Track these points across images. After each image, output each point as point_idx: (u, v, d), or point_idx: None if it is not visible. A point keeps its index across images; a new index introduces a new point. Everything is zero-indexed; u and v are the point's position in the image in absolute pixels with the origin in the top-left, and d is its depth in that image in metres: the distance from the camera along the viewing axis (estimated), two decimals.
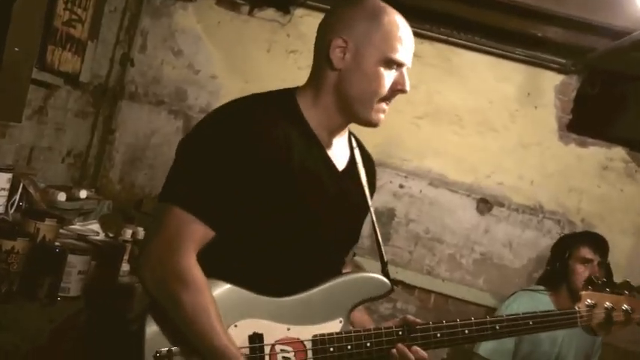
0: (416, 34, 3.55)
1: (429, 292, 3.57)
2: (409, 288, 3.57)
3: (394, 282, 3.45)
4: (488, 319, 1.62)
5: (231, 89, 3.59)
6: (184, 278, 1.40)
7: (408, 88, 1.57)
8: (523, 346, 2.90)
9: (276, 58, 3.58)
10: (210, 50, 3.63)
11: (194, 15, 3.62)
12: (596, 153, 3.56)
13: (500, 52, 3.50)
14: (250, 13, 3.63)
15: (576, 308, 1.72)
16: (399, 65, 1.54)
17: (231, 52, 3.63)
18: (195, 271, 1.42)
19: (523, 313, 1.68)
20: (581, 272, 2.91)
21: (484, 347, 2.91)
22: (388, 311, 3.53)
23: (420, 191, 3.59)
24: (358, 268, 1.91)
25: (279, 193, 1.48)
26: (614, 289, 1.75)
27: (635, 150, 3.51)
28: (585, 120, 3.59)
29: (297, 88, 1.62)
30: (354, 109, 1.55)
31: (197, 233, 1.43)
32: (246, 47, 3.62)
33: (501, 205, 3.57)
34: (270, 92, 1.60)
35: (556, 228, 3.51)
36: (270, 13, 3.62)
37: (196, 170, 1.45)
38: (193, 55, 3.64)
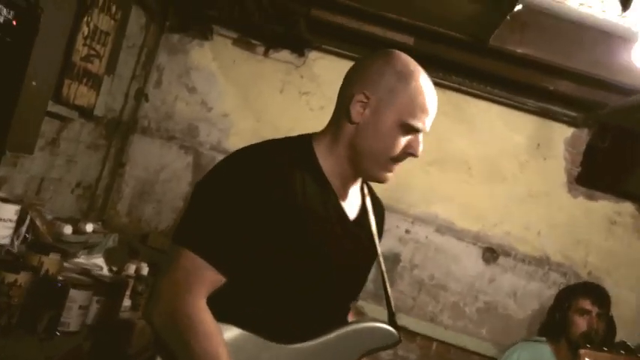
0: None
1: (431, 339, 3.54)
2: (411, 334, 3.54)
3: (396, 327, 3.50)
4: None
5: (242, 127, 3.63)
6: (194, 323, 1.39)
7: (419, 153, 1.56)
8: None
9: (289, 99, 3.62)
10: (224, 88, 3.68)
11: (210, 53, 3.68)
12: (605, 207, 3.55)
13: (511, 102, 3.53)
14: (265, 53, 3.68)
15: None
16: (417, 131, 1.54)
17: (245, 90, 3.67)
18: (206, 316, 1.41)
19: None
20: (580, 323, 2.90)
21: None
22: (389, 357, 3.50)
23: (426, 237, 3.59)
24: (360, 314, 1.90)
25: (292, 240, 1.48)
26: (612, 349, 1.75)
27: None
28: (594, 174, 3.60)
29: (313, 135, 1.62)
30: (364, 165, 1.55)
31: (208, 278, 1.42)
32: (259, 87, 3.66)
33: (507, 254, 3.56)
34: (287, 138, 1.61)
35: (562, 280, 3.49)
36: (284, 54, 3.67)
37: (211, 215, 1.45)
38: (207, 93, 3.68)
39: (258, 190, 1.45)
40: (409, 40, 3.16)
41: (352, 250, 1.59)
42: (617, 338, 3.31)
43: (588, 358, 1.73)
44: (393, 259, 3.58)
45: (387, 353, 3.51)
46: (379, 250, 1.68)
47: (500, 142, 3.59)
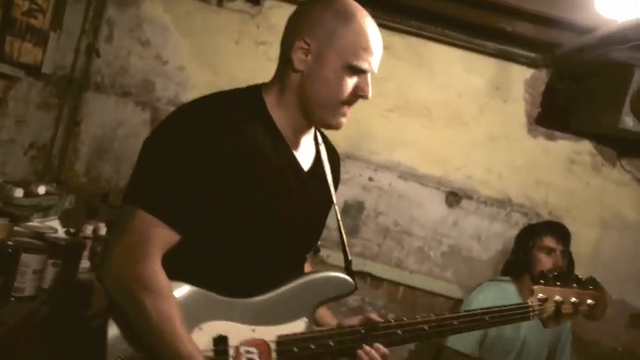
0: (386, 27, 3.59)
1: (398, 284, 3.58)
2: (377, 280, 3.58)
3: (363, 274, 3.54)
4: (447, 315, 1.64)
5: (199, 81, 3.55)
6: (148, 285, 1.38)
7: (370, 94, 1.54)
8: (490, 333, 2.93)
9: (246, 50, 3.54)
10: (179, 41, 3.57)
11: (162, 5, 3.56)
12: (564, 146, 3.59)
13: (470, 45, 3.50)
14: (219, 3, 3.57)
15: (529, 302, 1.76)
16: (363, 72, 1.52)
17: (200, 42, 3.58)
18: (160, 277, 1.39)
19: (483, 308, 1.72)
20: (544, 261, 2.95)
21: (452, 339, 2.93)
22: (357, 303, 3.54)
23: (390, 184, 3.59)
24: (320, 264, 1.90)
25: (244, 192, 1.45)
26: (565, 283, 1.79)
27: (601, 144, 3.55)
28: (554, 114, 3.62)
29: (263, 86, 1.59)
30: (315, 113, 1.53)
31: (162, 237, 1.40)
32: (215, 38, 3.57)
33: (470, 197, 3.59)
34: (237, 90, 1.58)
35: (523, 220, 3.54)
36: (239, 4, 3.57)
37: (161, 171, 1.42)
38: (161, 46, 3.58)
39: (208, 142, 1.42)
40: None
41: (306, 201, 1.58)
42: (577, 272, 3.39)
43: (542, 293, 1.77)
44: (357, 207, 3.59)
45: (355, 299, 3.55)
46: (334, 198, 1.67)
47: (460, 86, 3.58)
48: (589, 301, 1.82)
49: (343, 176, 3.54)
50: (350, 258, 1.68)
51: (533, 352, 2.99)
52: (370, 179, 3.59)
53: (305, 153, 1.61)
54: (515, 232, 3.38)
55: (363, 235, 3.60)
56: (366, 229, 3.60)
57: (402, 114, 3.58)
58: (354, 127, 3.53)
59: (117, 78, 3.56)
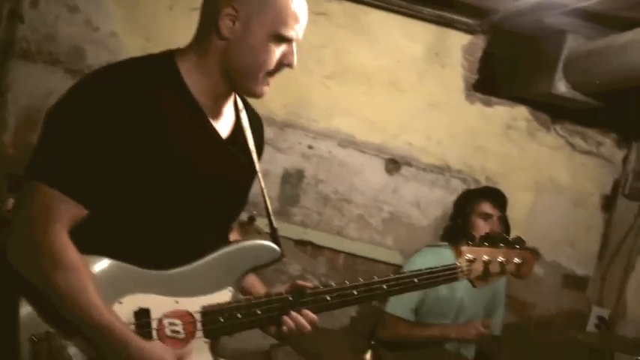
0: None
1: (338, 252, 3.59)
2: (318, 248, 3.58)
3: (303, 243, 3.53)
4: (376, 279, 1.64)
5: (132, 48, 3.42)
6: (56, 259, 1.33)
7: (295, 62, 1.51)
8: (427, 297, 2.96)
9: (179, 16, 3.42)
10: (109, 6, 3.44)
11: None
12: (501, 112, 3.63)
13: (409, 11, 3.48)
14: None
15: (457, 263, 1.78)
16: (289, 41, 1.49)
17: (132, 8, 3.45)
18: (67, 250, 1.35)
19: (412, 271, 1.73)
20: (481, 226, 2.99)
21: (391, 305, 2.97)
22: (297, 272, 3.53)
23: (329, 152, 3.57)
24: (255, 233, 1.86)
25: (156, 163, 1.41)
26: (492, 244, 1.81)
27: (536, 109, 3.61)
28: (490, 80, 3.66)
29: (177, 51, 1.53)
30: (238, 80, 1.50)
31: (67, 212, 1.35)
32: (147, 4, 3.46)
33: (409, 164, 3.61)
34: (148, 56, 1.52)
35: (462, 186, 3.57)
36: None
37: (63, 143, 1.36)
38: (91, 12, 3.44)
39: (112, 110, 1.36)
40: None
41: (226, 169, 1.54)
42: (513, 237, 3.46)
43: (470, 254, 1.78)
44: (297, 176, 3.56)
45: (296, 269, 3.54)
46: (258, 166, 1.63)
47: (399, 53, 3.56)
48: (516, 260, 1.84)
49: (282, 144, 3.56)
50: (275, 226, 1.65)
51: (470, 313, 3.04)
52: (310, 147, 3.56)
53: (223, 120, 1.57)
54: (454, 198, 3.42)
55: (303, 203, 3.58)
56: (307, 197, 3.58)
57: (341, 81, 3.55)
58: (291, 94, 3.48)
59: (44, 45, 3.41)
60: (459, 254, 1.79)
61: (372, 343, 2.66)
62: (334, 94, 3.55)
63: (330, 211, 3.60)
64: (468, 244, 1.80)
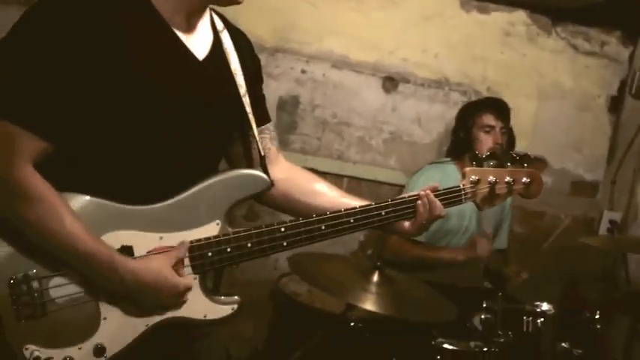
0: None
1: (341, 176, 3.52)
2: (320, 175, 3.43)
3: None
4: (373, 205, 1.56)
5: None
6: (22, 192, 1.27)
7: None
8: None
9: None
10: None
11: None
12: (498, 18, 3.47)
13: None
14: None
15: (461, 185, 1.68)
16: None
17: None
18: (34, 181, 1.28)
19: (412, 195, 1.63)
20: (485, 139, 2.91)
21: None
22: None
23: (323, 75, 3.45)
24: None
25: (123, 89, 1.31)
26: (498, 163, 1.72)
27: (535, 12, 3.44)
28: None
29: None
30: None
31: (28, 146, 1.27)
32: None
33: (407, 81, 3.48)
34: None
35: (463, 99, 3.46)
36: None
37: (19, 74, 1.27)
38: None
39: (73, 38, 1.26)
40: None
41: (205, 92, 1.44)
42: (520, 146, 3.38)
43: (474, 175, 1.68)
44: (293, 102, 3.46)
45: None
46: (242, 89, 1.53)
47: None
48: (524, 180, 1.74)
49: (274, 71, 3.43)
50: (263, 154, 1.57)
51: None
52: (303, 72, 3.44)
53: (200, 40, 1.46)
54: (455, 111, 3.32)
55: (301, 130, 3.48)
56: (304, 123, 3.49)
57: None
58: (279, 18, 3.34)
59: None
60: (462, 176, 1.70)
61: (378, 264, 2.63)
62: (323, 14, 3.39)
63: (329, 136, 3.51)
64: (472, 165, 1.70)
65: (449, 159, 3.08)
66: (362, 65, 3.45)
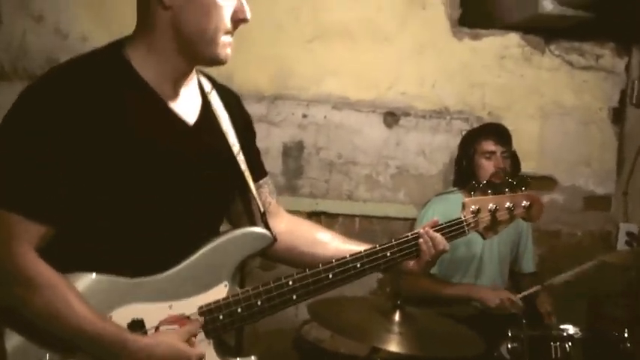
0: None
1: (353, 216, 3.52)
2: (332, 217, 3.51)
3: (316, 214, 3.46)
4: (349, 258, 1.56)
5: None
6: (27, 280, 1.28)
7: (249, 15, 1.43)
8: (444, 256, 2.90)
9: None
10: (74, 9, 3.35)
11: None
12: (492, 43, 3.49)
13: None
14: None
15: (462, 217, 1.69)
16: None
17: (98, 8, 3.35)
18: (36, 267, 1.29)
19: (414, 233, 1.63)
20: (487, 166, 2.92)
21: None
22: None
23: (325, 117, 3.47)
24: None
25: (119, 164, 1.33)
26: (496, 190, 1.73)
27: (527, 33, 3.46)
28: (475, 12, 3.52)
29: (125, 40, 1.45)
30: (197, 49, 1.41)
31: (27, 232, 1.29)
32: (112, 0, 3.35)
33: (408, 114, 3.50)
34: (92, 52, 1.44)
35: (465, 127, 3.46)
36: None
37: (15, 162, 1.30)
38: (57, 19, 3.35)
39: (63, 121, 1.29)
40: None
41: (199, 157, 1.45)
42: (527, 167, 3.37)
43: (474, 205, 1.70)
44: (297, 147, 3.48)
45: None
46: (236, 148, 1.54)
47: (377, 1, 3.43)
48: (524, 203, 1.75)
49: (275, 118, 3.47)
50: (263, 210, 1.57)
51: (493, 268, 3.00)
52: (304, 116, 3.47)
53: (188, 105, 1.48)
54: (458, 140, 3.32)
55: (308, 174, 3.50)
56: (310, 167, 3.50)
57: (323, 42, 3.42)
58: (275, 66, 3.39)
59: (18, 62, 3.33)
60: (462, 207, 1.70)
61: (399, 302, 2.61)
62: (319, 57, 3.43)
63: (336, 177, 3.52)
64: (471, 195, 1.71)
65: (455, 189, 3.08)
66: (362, 103, 3.47)
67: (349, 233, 3.48)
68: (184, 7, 1.37)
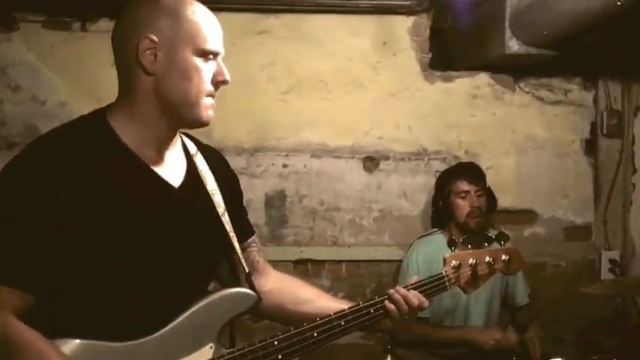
0: (259, 11, 3.48)
1: (339, 262, 3.54)
2: (319, 264, 3.53)
3: (303, 262, 3.47)
4: (333, 316, 1.57)
5: (84, 111, 3.36)
6: (8, 342, 1.28)
7: (228, 77, 1.48)
8: (433, 305, 2.91)
9: None
10: (51, 77, 3.40)
11: (22, 44, 3.37)
12: (463, 84, 3.58)
13: (346, 8, 3.44)
14: (83, 28, 3.41)
15: (443, 272, 1.72)
16: (215, 55, 1.46)
17: (74, 73, 3.41)
18: (17, 330, 1.29)
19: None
20: (462, 205, 2.98)
21: None
22: None
23: (305, 165, 3.52)
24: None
25: (105, 233, 1.35)
26: (475, 245, 1.76)
27: (496, 72, 3.56)
28: (444, 55, 3.62)
29: (107, 108, 1.49)
30: (181, 113, 1.44)
31: (9, 301, 1.30)
32: (88, 65, 3.40)
33: (387, 158, 3.56)
34: (74, 120, 1.47)
35: (443, 166, 3.51)
36: (104, 24, 3.41)
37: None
38: (34, 87, 3.40)
39: (46, 191, 1.31)
40: None
41: (185, 219, 1.48)
42: (507, 202, 3.43)
43: (455, 260, 1.72)
44: (279, 197, 3.51)
45: None
46: (221, 209, 1.57)
47: (349, 51, 3.52)
48: (503, 257, 1.79)
49: (256, 170, 3.51)
50: (248, 270, 1.59)
51: (481, 314, 3.02)
52: (284, 166, 3.51)
53: (173, 168, 1.51)
54: None
55: (292, 222, 3.52)
56: (294, 216, 3.53)
57: (299, 93, 3.50)
58: (253, 119, 3.45)
59: None
60: (443, 263, 1.73)
61: (389, 347, 2.62)
62: (296, 108, 3.50)
63: (320, 224, 3.55)
64: (451, 250, 1.74)
65: (435, 230, 3.14)
66: (341, 150, 3.53)
67: (337, 279, 3.53)
68: (166, 73, 1.41)
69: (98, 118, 1.46)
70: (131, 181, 1.41)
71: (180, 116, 1.45)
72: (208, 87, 1.45)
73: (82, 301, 1.37)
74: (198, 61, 1.43)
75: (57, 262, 1.33)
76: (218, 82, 1.47)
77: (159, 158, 1.47)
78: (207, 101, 1.46)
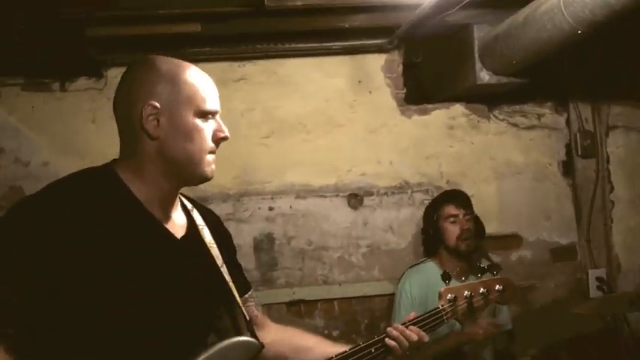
0: (236, 59, 3.55)
1: (331, 300, 3.55)
2: (311, 304, 3.54)
3: (295, 303, 3.48)
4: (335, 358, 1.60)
5: (68, 170, 3.33)
6: None
7: (228, 133, 1.54)
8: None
9: (105, 126, 3.41)
10: (34, 138, 3.43)
11: (3, 108, 3.41)
12: (439, 116, 3.66)
13: (320, 50, 3.53)
14: (63, 88, 3.46)
15: (439, 307, 1.75)
16: (213, 114, 1.52)
17: (56, 133, 3.44)
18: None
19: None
20: (451, 229, 3.05)
21: (397, 320, 2.95)
22: None
23: (291, 207, 3.56)
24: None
25: (108, 283, 1.35)
26: (468, 278, 1.80)
27: (470, 102, 3.65)
28: (419, 89, 3.71)
29: (115, 163, 1.52)
30: (186, 171, 1.49)
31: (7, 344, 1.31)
32: (70, 124, 3.45)
33: (370, 194, 3.61)
34: (86, 171, 1.50)
35: (426, 198, 3.57)
36: (83, 82, 3.47)
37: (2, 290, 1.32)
38: (17, 149, 3.42)
39: (50, 241, 1.32)
40: (196, 27, 3.05)
41: (188, 269, 1.50)
42: (491, 229, 3.48)
43: (450, 293, 1.75)
44: (268, 240, 3.54)
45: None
46: (219, 260, 1.60)
47: (325, 92, 3.59)
48: (497, 287, 1.83)
49: (243, 215, 3.54)
50: (248, 317, 1.61)
51: None
52: (270, 209, 3.55)
53: (177, 225, 1.55)
54: (422, 211, 3.42)
55: (282, 264, 3.54)
56: (283, 257, 3.55)
57: (279, 136, 3.56)
58: (237, 166, 3.49)
59: None
60: (439, 297, 1.76)
61: None
62: (277, 151, 3.55)
63: (310, 264, 3.57)
64: (446, 284, 1.78)
65: (425, 258, 3.19)
66: (325, 189, 3.58)
67: (330, 318, 3.54)
68: (170, 136, 1.46)
69: (110, 171, 1.49)
70: (144, 234, 1.45)
71: (185, 174, 1.50)
72: (210, 145, 1.50)
73: (82, 351, 1.36)
74: (198, 121, 1.48)
75: (62, 310, 1.33)
76: (219, 139, 1.52)
77: (164, 215, 1.52)
78: (209, 158, 1.51)
